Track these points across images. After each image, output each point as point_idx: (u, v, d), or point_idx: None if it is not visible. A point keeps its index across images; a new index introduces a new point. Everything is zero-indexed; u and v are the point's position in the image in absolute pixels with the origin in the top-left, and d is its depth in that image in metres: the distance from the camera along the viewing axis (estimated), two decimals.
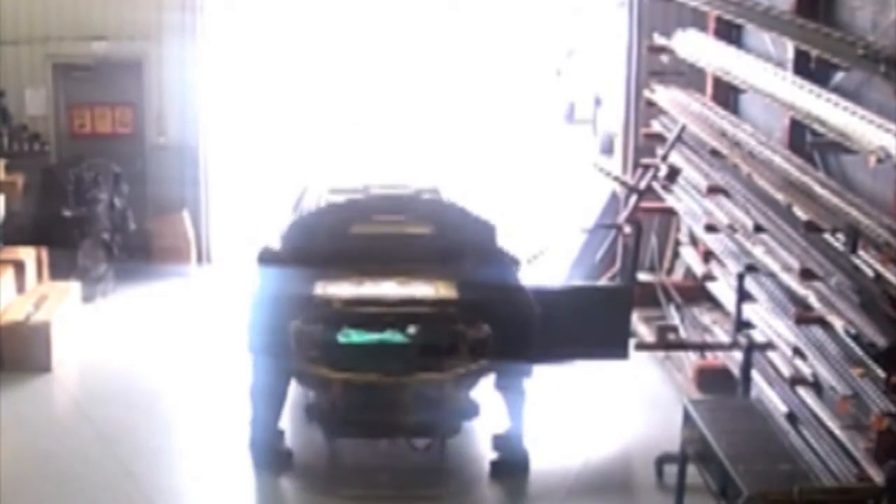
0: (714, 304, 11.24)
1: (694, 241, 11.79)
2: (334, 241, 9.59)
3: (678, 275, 12.74)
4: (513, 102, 22.33)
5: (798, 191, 8.55)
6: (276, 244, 9.72)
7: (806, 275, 8.22)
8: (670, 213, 12.10)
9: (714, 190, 10.12)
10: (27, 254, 12.34)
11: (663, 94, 11.98)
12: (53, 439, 9.74)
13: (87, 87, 14.14)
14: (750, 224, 9.27)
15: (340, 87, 22.47)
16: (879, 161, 7.43)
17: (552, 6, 22.89)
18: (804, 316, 8.53)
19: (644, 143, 12.88)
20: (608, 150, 14.66)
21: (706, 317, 11.35)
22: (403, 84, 22.66)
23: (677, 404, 8.97)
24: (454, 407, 9.19)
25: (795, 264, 8.39)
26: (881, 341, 7.31)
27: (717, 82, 11.56)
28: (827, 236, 8.14)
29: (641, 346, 11.20)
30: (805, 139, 9.69)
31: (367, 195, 10.38)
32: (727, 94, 11.76)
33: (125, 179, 13.79)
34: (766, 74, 9.71)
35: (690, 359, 11.05)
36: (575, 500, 8.98)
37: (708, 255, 11.02)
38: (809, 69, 9.51)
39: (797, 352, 8.81)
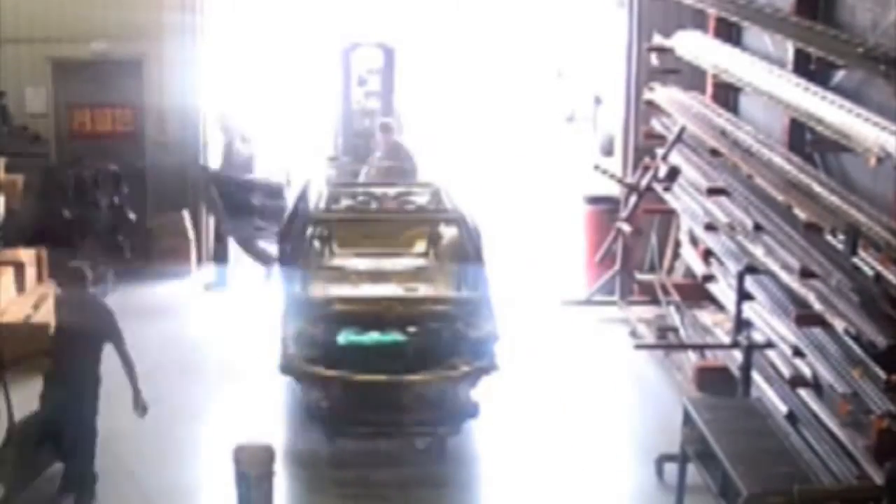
0: (714, 304, 11.24)
1: (694, 241, 11.79)
2: None
3: (678, 275, 12.73)
4: (513, 102, 22.30)
5: (798, 191, 8.53)
6: None
7: (806, 275, 8.21)
8: (670, 213, 12.09)
9: (714, 190, 10.12)
10: (27, 254, 12.32)
11: (663, 94, 11.97)
12: None
13: (87, 87, 14.14)
14: (750, 224, 9.26)
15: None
16: (879, 161, 7.43)
17: (552, 6, 22.87)
18: (804, 316, 8.52)
19: (644, 143, 12.88)
20: (608, 150, 14.64)
21: (706, 317, 11.34)
22: (403, 83, 22.61)
23: (677, 404, 8.97)
24: (454, 407, 9.19)
25: (795, 264, 8.39)
26: (881, 341, 7.31)
27: (717, 82, 11.56)
28: (827, 236, 8.14)
29: (641, 346, 11.19)
30: (805, 139, 9.69)
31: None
32: (727, 94, 11.76)
33: (125, 179, 13.78)
34: (766, 74, 9.70)
35: (690, 359, 11.05)
36: (575, 500, 8.97)
37: (708, 255, 11.01)
38: (809, 69, 9.51)
39: (797, 352, 8.80)
